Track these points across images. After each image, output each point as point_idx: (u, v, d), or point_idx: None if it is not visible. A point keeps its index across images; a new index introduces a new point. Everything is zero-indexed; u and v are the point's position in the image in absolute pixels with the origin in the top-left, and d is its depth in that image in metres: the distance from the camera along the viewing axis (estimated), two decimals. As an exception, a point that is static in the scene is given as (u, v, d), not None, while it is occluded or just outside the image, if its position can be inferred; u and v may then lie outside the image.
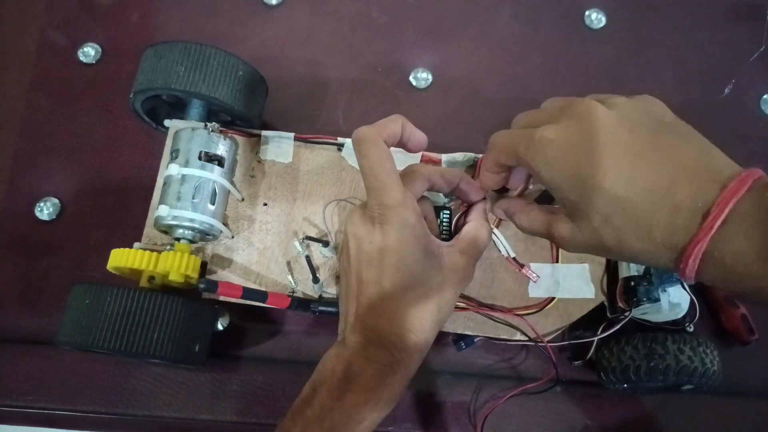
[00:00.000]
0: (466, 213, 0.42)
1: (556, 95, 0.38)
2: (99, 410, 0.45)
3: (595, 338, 0.44)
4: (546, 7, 0.59)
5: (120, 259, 0.40)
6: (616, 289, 0.43)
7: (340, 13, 0.57)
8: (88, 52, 0.54)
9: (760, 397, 0.48)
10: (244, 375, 0.46)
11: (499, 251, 0.43)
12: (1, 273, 0.48)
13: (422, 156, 0.45)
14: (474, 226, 0.40)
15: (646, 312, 0.43)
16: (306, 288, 0.43)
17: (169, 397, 0.45)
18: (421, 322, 0.36)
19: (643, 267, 0.42)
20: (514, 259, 0.43)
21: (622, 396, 0.47)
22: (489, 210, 0.42)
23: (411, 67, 0.56)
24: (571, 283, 0.44)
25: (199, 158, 0.42)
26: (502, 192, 0.42)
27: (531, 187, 0.41)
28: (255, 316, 0.47)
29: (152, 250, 0.41)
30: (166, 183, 0.42)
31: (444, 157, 0.45)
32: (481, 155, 0.43)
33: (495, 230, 0.43)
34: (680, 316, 0.43)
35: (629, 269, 0.43)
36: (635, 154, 0.29)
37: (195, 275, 0.41)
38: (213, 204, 0.42)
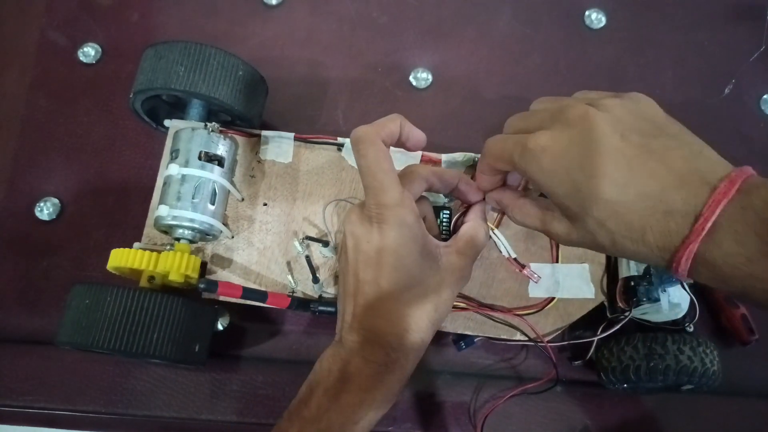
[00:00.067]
0: (464, 213, 0.42)
1: (556, 95, 0.38)
2: (99, 410, 0.45)
3: (595, 338, 0.44)
4: (546, 7, 0.59)
5: (120, 259, 0.40)
6: (616, 289, 0.43)
7: (340, 13, 0.57)
8: (88, 52, 0.54)
9: (760, 397, 0.48)
10: (244, 375, 0.46)
11: (500, 251, 0.43)
12: (1, 273, 0.48)
13: (422, 156, 0.45)
14: (471, 226, 0.40)
15: (646, 312, 0.43)
16: (306, 288, 0.43)
17: (169, 397, 0.45)
18: (418, 322, 0.36)
19: (643, 267, 0.42)
20: (515, 259, 0.43)
21: (622, 396, 0.47)
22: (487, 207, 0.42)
23: (411, 67, 0.56)
24: (571, 283, 0.44)
25: (199, 158, 0.42)
26: None
27: (531, 187, 0.41)
28: (255, 316, 0.47)
29: (152, 250, 0.41)
30: (166, 183, 0.42)
31: (444, 157, 0.45)
32: (480, 155, 0.43)
33: (495, 231, 0.43)
34: (680, 316, 0.43)
35: (629, 269, 0.43)
36: (628, 160, 0.30)
37: (195, 275, 0.41)
38: (213, 204, 0.42)
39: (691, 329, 0.44)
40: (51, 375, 0.46)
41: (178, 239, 0.42)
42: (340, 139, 0.45)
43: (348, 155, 0.46)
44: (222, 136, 0.44)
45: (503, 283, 0.44)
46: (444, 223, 0.43)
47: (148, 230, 0.44)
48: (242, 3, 0.57)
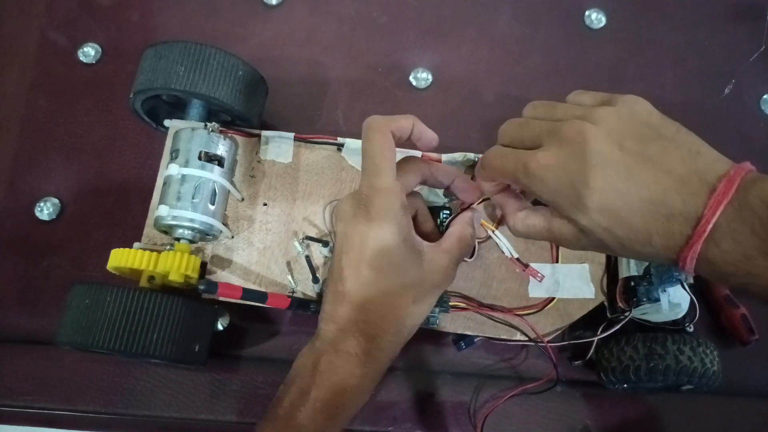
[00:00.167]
0: (457, 214, 0.42)
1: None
2: (99, 410, 0.45)
3: (595, 338, 0.44)
4: (546, 7, 0.59)
5: (120, 259, 0.40)
6: (616, 289, 0.43)
7: (340, 13, 0.57)
8: (88, 52, 0.54)
9: (760, 397, 0.48)
10: (244, 375, 0.46)
11: (501, 252, 0.43)
12: (1, 273, 0.48)
13: (422, 156, 0.45)
14: (458, 227, 0.40)
15: (646, 312, 0.43)
16: (306, 288, 0.43)
17: (169, 397, 0.45)
18: (395, 314, 0.36)
19: (643, 267, 0.42)
20: (517, 259, 0.43)
21: (622, 396, 0.47)
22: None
23: (411, 67, 0.56)
24: (571, 283, 0.44)
25: (199, 158, 0.42)
26: None
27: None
28: (255, 316, 0.47)
29: (152, 250, 0.41)
30: (166, 183, 0.42)
31: (444, 157, 0.45)
32: (480, 155, 0.43)
33: (496, 232, 0.43)
34: (680, 316, 0.43)
35: (629, 269, 0.43)
36: (628, 169, 0.30)
37: (195, 275, 0.41)
38: (213, 204, 0.42)
39: (691, 329, 0.44)
40: (51, 375, 0.46)
41: (178, 239, 0.42)
42: (340, 139, 0.45)
43: (348, 155, 0.46)
44: (222, 136, 0.44)
45: (503, 283, 0.44)
46: (444, 223, 0.43)
47: (148, 230, 0.44)
48: (242, 3, 0.57)
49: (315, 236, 0.44)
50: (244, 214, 0.45)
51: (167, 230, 0.43)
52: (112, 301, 0.38)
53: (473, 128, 0.54)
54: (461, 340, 0.45)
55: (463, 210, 0.42)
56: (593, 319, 0.44)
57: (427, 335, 0.45)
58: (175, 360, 0.39)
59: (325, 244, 0.43)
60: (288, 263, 0.44)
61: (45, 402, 0.45)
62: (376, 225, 0.36)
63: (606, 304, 0.44)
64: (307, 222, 0.45)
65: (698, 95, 0.56)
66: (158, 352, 0.38)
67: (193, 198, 0.42)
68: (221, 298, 0.41)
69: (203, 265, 0.43)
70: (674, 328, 0.44)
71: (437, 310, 0.43)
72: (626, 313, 0.42)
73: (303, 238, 0.44)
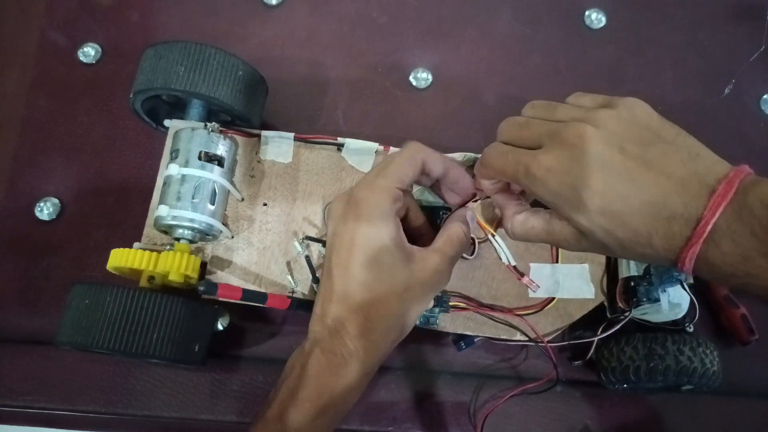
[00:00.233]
0: (451, 214, 0.42)
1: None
2: (99, 410, 0.45)
3: (595, 338, 0.44)
4: (546, 7, 0.59)
5: (120, 259, 0.40)
6: (616, 289, 0.43)
7: (340, 13, 0.57)
8: (88, 52, 0.54)
9: (760, 397, 0.48)
10: (244, 375, 0.46)
11: (499, 258, 0.43)
12: (1, 273, 0.48)
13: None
14: (451, 225, 0.40)
15: (645, 312, 0.43)
16: (306, 288, 0.43)
17: (169, 397, 0.45)
18: (381, 314, 0.36)
19: (643, 267, 0.42)
20: (514, 267, 0.42)
21: (622, 396, 0.47)
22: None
23: (411, 67, 0.56)
24: (571, 283, 0.44)
25: (199, 158, 0.42)
26: None
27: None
28: (255, 316, 0.47)
29: (152, 250, 0.41)
30: (166, 183, 0.42)
31: (444, 157, 0.45)
32: (480, 155, 0.43)
33: (496, 237, 0.42)
34: (680, 316, 0.43)
35: (629, 269, 0.43)
36: (629, 172, 0.31)
37: (195, 275, 0.41)
38: (213, 204, 0.42)
39: (691, 329, 0.44)
40: (51, 375, 0.46)
41: (177, 239, 0.42)
42: (340, 139, 0.45)
43: (348, 155, 0.46)
44: (222, 136, 0.44)
45: (503, 283, 0.44)
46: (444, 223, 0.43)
47: (148, 230, 0.44)
48: (242, 3, 0.57)
49: (315, 236, 0.44)
50: (244, 214, 0.45)
51: (167, 230, 0.43)
52: (112, 301, 0.38)
53: (473, 128, 0.54)
54: (461, 340, 0.45)
55: (457, 208, 0.42)
56: (593, 319, 0.44)
57: (427, 335, 0.45)
58: (174, 360, 0.39)
59: (325, 244, 0.43)
60: (288, 263, 0.44)
61: (45, 402, 0.45)
62: (365, 223, 0.36)
63: (606, 304, 0.44)
64: (307, 222, 0.45)
65: (698, 95, 0.56)
66: (158, 352, 0.38)
67: (193, 198, 0.42)
68: (221, 299, 0.41)
69: (203, 265, 0.43)
70: (674, 328, 0.44)
71: (437, 310, 0.43)
72: (626, 314, 0.42)
73: (303, 238, 0.44)
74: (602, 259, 0.45)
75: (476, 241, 0.44)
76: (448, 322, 0.44)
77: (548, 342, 0.43)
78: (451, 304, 0.43)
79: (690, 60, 0.58)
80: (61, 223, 0.50)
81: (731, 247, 0.28)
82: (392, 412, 0.46)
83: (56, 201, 0.50)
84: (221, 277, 0.43)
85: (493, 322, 0.44)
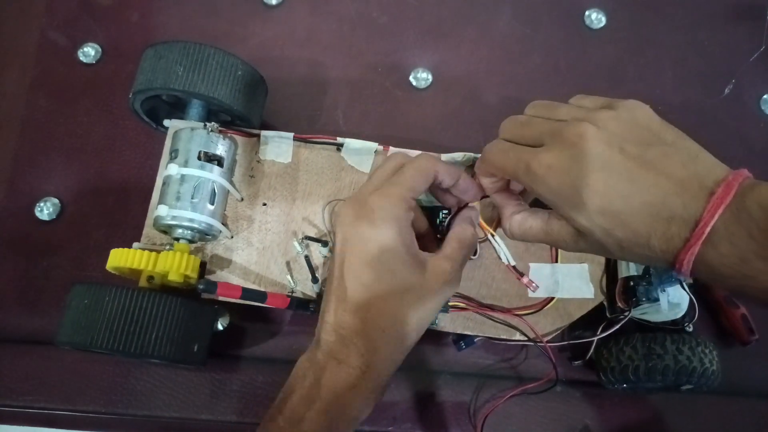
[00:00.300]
0: (455, 215, 0.42)
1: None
2: (99, 410, 0.45)
3: (595, 338, 0.44)
4: (546, 7, 0.59)
5: (119, 259, 0.40)
6: (615, 289, 0.43)
7: (340, 13, 0.57)
8: (88, 52, 0.55)
9: (760, 397, 0.48)
10: (244, 375, 0.46)
11: (499, 257, 0.43)
12: (1, 273, 0.48)
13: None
14: (458, 230, 0.40)
15: (645, 312, 0.43)
16: (305, 288, 0.43)
17: (169, 397, 0.45)
18: (397, 325, 0.36)
19: (643, 267, 0.42)
20: (514, 267, 0.42)
21: (622, 396, 0.47)
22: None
23: (411, 67, 0.56)
24: (571, 283, 0.44)
25: (199, 158, 0.42)
26: None
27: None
28: (255, 316, 0.47)
29: (151, 250, 0.41)
30: (166, 183, 0.42)
31: (444, 157, 0.45)
32: (480, 155, 0.43)
33: (495, 237, 0.42)
34: (679, 316, 0.43)
35: (629, 269, 0.43)
36: (629, 172, 0.31)
37: (194, 275, 0.41)
38: (212, 204, 0.42)
39: (691, 329, 0.44)
40: (51, 375, 0.46)
41: (177, 239, 0.42)
42: (339, 139, 0.45)
43: (348, 155, 0.46)
44: (221, 136, 0.44)
45: (503, 283, 0.44)
46: (443, 223, 0.43)
47: (148, 230, 0.44)
48: (242, 3, 0.57)
49: (314, 236, 0.44)
50: (244, 214, 0.45)
51: (167, 230, 0.43)
52: (112, 301, 0.38)
53: (473, 128, 0.54)
54: (461, 340, 0.45)
55: (461, 209, 0.42)
56: (593, 319, 0.44)
57: (427, 335, 0.44)
58: (174, 360, 0.39)
59: (325, 244, 0.43)
60: (287, 263, 0.44)
61: (45, 402, 0.45)
62: (380, 232, 0.36)
63: (605, 304, 0.44)
64: (307, 222, 0.45)
65: (698, 95, 0.56)
66: (157, 352, 0.38)
67: (192, 198, 0.42)
68: (221, 298, 0.41)
69: (202, 264, 0.43)
70: (674, 328, 0.44)
71: (437, 310, 0.43)
72: (626, 313, 0.42)
73: (302, 238, 0.44)
74: (602, 259, 0.45)
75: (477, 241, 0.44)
76: (448, 322, 0.44)
77: (548, 342, 0.43)
78: (451, 304, 0.43)
79: (690, 60, 0.58)
80: (61, 223, 0.50)
81: (729, 249, 0.28)
82: (392, 412, 0.46)
83: (56, 201, 0.50)
84: (221, 276, 0.43)
85: (493, 322, 0.44)
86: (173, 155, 0.43)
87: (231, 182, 0.45)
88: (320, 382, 0.35)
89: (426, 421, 0.46)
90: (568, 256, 0.44)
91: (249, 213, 0.45)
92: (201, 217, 0.41)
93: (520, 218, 0.37)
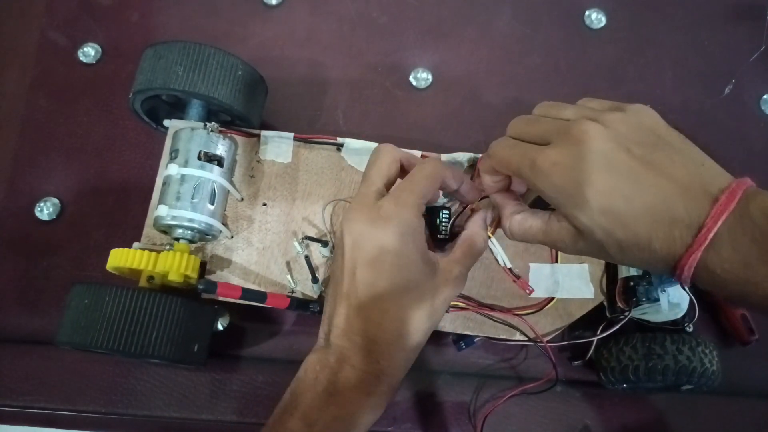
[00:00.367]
0: (464, 215, 0.42)
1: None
2: (99, 410, 0.45)
3: (595, 338, 0.44)
4: (546, 7, 0.59)
5: (119, 259, 0.40)
6: (615, 289, 0.43)
7: (340, 13, 0.57)
8: (88, 52, 0.55)
9: (760, 397, 0.48)
10: (244, 375, 0.46)
11: (496, 260, 0.42)
12: (1, 273, 0.48)
13: (421, 155, 0.45)
14: (470, 234, 0.40)
15: (645, 312, 0.43)
16: (305, 288, 0.43)
17: (169, 397, 0.45)
18: (411, 329, 0.36)
19: (643, 267, 0.42)
20: (510, 269, 0.42)
21: (622, 396, 0.47)
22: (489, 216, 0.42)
23: (411, 67, 0.56)
24: (571, 283, 0.44)
25: (199, 158, 0.42)
26: None
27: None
28: (255, 316, 0.47)
29: (151, 250, 0.41)
30: (166, 183, 0.42)
31: (444, 157, 0.45)
32: (480, 155, 0.43)
33: (492, 239, 0.42)
34: (680, 316, 0.43)
35: (629, 269, 0.43)
36: (634, 173, 0.31)
37: (194, 275, 0.41)
38: (212, 204, 0.42)
39: (691, 329, 0.44)
40: (51, 375, 0.46)
41: (177, 239, 0.42)
42: (339, 139, 0.45)
43: (348, 155, 0.46)
44: (221, 136, 0.44)
45: (503, 283, 0.44)
46: (443, 223, 0.43)
47: (148, 230, 0.44)
48: (242, 3, 0.57)
49: (314, 236, 0.44)
50: (244, 214, 0.45)
51: (167, 230, 0.43)
52: (112, 301, 0.38)
53: (473, 128, 0.54)
54: (461, 340, 0.45)
55: (465, 209, 0.42)
56: (593, 319, 0.44)
57: (427, 335, 0.45)
58: (174, 360, 0.39)
59: (325, 244, 0.43)
60: (287, 263, 0.44)
61: (45, 402, 0.45)
62: (394, 238, 0.35)
63: (605, 304, 0.44)
64: (307, 222, 0.45)
65: (698, 95, 0.56)
66: (157, 352, 0.38)
67: (192, 198, 0.42)
68: (221, 298, 0.41)
69: (202, 264, 0.43)
70: (674, 328, 0.44)
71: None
72: (626, 313, 0.42)
73: (302, 238, 0.44)
74: (602, 259, 0.45)
75: None
76: (448, 322, 0.44)
77: (548, 342, 0.43)
78: (450, 304, 0.43)
79: (690, 60, 0.58)
80: (61, 223, 0.50)
81: (731, 254, 0.28)
82: (392, 412, 0.46)
83: (56, 201, 0.50)
84: (221, 276, 0.43)
85: (493, 322, 0.44)
86: (173, 155, 0.43)
87: (231, 182, 0.45)
88: (334, 388, 0.34)
89: (426, 421, 0.46)
90: (568, 256, 0.44)
91: (249, 213, 0.45)
92: (201, 217, 0.41)
93: (520, 218, 0.37)
